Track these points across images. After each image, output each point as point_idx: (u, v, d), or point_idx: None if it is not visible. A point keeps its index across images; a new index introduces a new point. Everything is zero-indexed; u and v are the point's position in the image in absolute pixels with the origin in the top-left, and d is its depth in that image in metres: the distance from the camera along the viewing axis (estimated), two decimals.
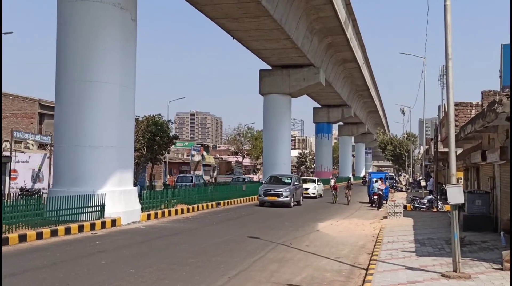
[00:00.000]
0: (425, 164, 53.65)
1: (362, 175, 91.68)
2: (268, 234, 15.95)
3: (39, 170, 31.10)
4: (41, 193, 24.86)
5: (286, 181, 29.49)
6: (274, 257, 11.83)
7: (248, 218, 21.28)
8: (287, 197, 27.40)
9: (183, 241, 14.32)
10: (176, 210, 22.10)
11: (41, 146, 35.07)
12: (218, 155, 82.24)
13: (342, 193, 33.92)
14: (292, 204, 27.65)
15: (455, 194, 9.50)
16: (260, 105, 44.46)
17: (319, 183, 39.22)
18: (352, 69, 53.70)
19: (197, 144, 71.19)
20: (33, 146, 34.92)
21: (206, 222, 19.60)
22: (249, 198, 31.63)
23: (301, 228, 17.93)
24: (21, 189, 27.47)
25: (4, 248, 12.41)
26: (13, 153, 30.60)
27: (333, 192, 32.44)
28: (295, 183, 29.65)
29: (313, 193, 36.81)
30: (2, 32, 27.50)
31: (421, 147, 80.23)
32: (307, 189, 35.80)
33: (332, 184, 34.78)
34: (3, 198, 14.66)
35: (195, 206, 24.17)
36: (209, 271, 10.11)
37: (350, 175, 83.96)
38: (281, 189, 27.65)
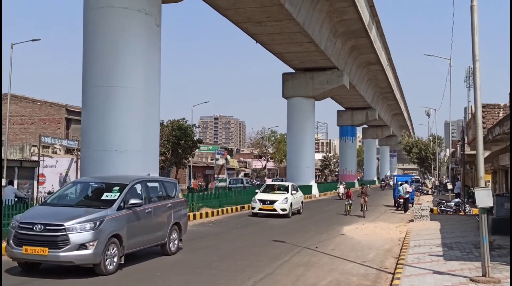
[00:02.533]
0: (451, 166, 52.91)
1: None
2: (293, 237, 15.90)
3: (66, 174, 31.65)
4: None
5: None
6: (300, 261, 11.80)
7: (272, 222, 21.25)
8: None
9: (208, 244, 14.37)
10: (201, 214, 22.21)
11: (68, 150, 35.67)
12: (242, 159, 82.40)
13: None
14: None
15: (484, 197, 9.35)
16: (284, 109, 44.43)
17: (295, 192, 24.91)
18: (376, 71, 53.32)
19: (221, 148, 71.44)
20: (60, 151, 35.53)
21: (231, 225, 19.64)
22: None
23: (326, 232, 17.84)
24: (49, 193, 27.93)
25: None
26: (41, 158, 31.17)
27: (347, 201, 25.65)
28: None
29: (283, 210, 22.96)
30: (31, 39, 28.07)
31: (447, 149, 79.13)
32: (273, 202, 23.03)
33: (342, 191, 29.43)
34: (31, 202, 14.89)
35: (220, 209, 24.27)
36: (234, 274, 10.13)
37: (375, 178, 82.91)
38: None
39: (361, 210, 24.79)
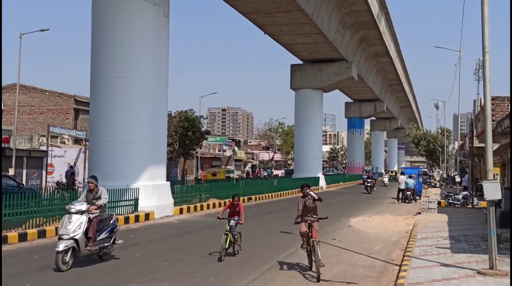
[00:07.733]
0: (459, 159, 52.67)
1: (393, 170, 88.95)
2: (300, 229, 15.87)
3: (75, 164, 31.77)
4: (76, 187, 25.37)
5: None
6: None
7: (279, 213, 21.27)
8: None
9: (215, 235, 14.36)
10: (208, 205, 22.27)
11: (76, 141, 35.78)
12: (249, 150, 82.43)
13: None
14: None
15: (492, 190, 9.30)
16: (292, 100, 44.33)
17: None
18: (385, 63, 53.03)
19: (228, 139, 71.48)
20: (68, 141, 35.67)
21: None
22: (280, 193, 31.65)
23: (333, 224, 17.83)
24: (57, 183, 28.14)
25: (41, 241, 12.76)
26: (50, 148, 31.32)
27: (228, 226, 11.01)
28: None
29: None
30: (39, 29, 28.10)
31: (456, 142, 78.77)
32: None
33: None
34: (40, 191, 15.00)
35: (227, 200, 24.27)
36: (241, 265, 10.16)
37: (382, 171, 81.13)
38: None
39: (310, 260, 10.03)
